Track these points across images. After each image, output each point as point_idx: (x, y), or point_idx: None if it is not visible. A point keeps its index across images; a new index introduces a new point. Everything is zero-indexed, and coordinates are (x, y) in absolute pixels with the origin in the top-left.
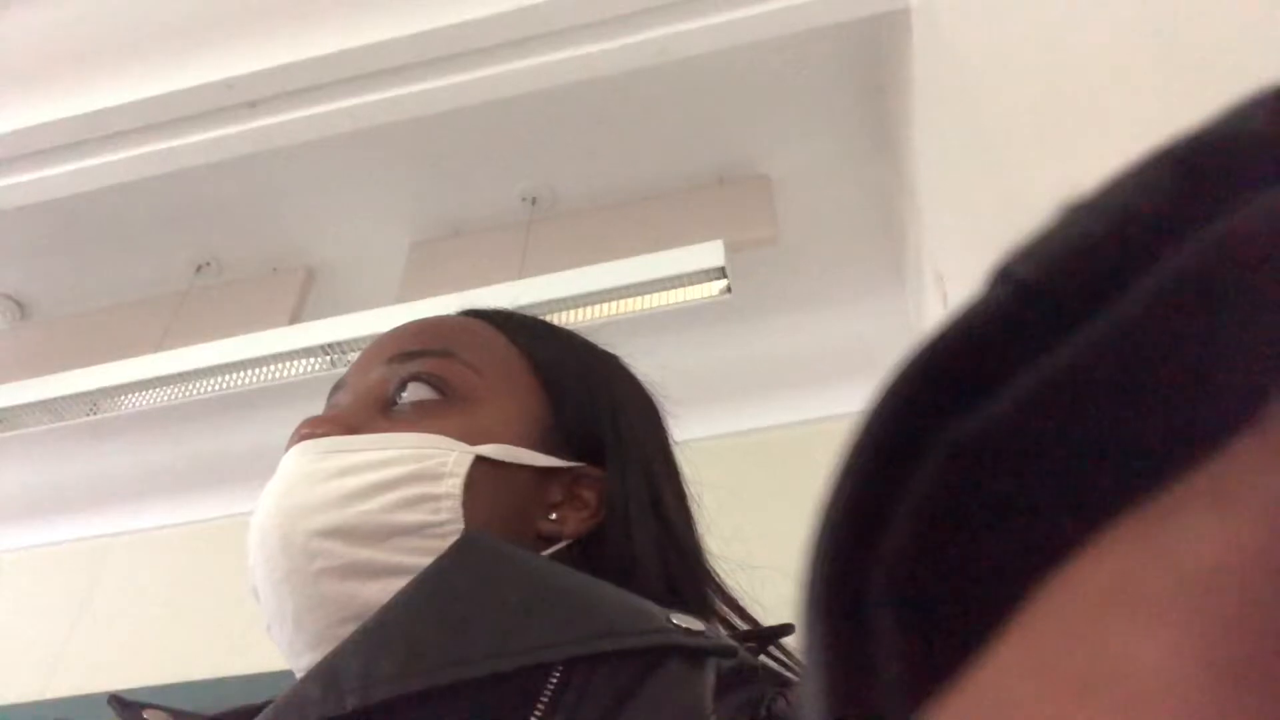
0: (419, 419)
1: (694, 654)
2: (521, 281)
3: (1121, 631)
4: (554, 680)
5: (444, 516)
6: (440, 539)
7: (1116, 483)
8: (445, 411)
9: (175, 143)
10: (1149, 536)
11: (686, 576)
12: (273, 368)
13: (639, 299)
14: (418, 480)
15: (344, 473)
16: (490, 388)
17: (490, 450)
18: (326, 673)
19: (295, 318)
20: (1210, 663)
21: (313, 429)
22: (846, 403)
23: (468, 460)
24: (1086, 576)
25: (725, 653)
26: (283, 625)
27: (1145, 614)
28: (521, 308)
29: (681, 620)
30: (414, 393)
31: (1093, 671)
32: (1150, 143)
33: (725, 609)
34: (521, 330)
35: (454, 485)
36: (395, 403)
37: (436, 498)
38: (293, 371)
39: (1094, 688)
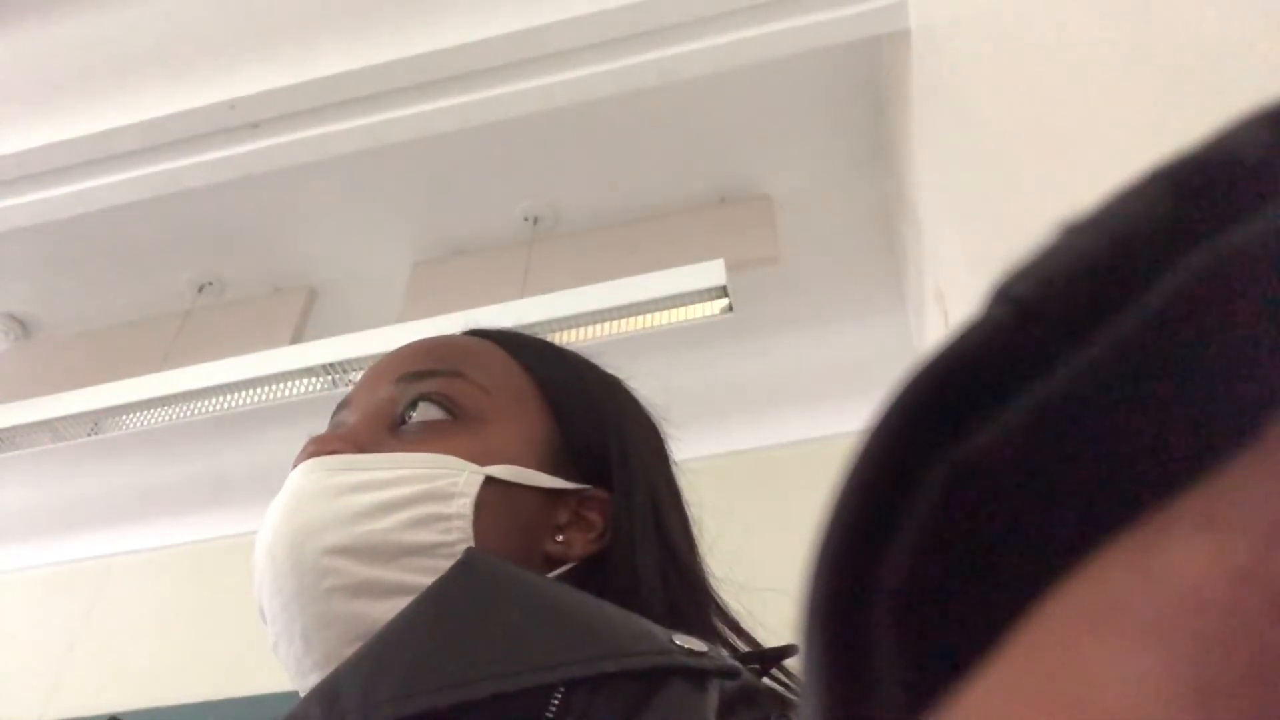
0: (428, 439)
1: (697, 675)
2: (524, 301)
3: (1104, 653)
4: (556, 702)
5: (454, 536)
6: (449, 559)
7: (1114, 503)
8: (454, 432)
9: (178, 163)
10: (1139, 557)
11: (689, 598)
12: (274, 387)
13: (641, 318)
14: (428, 500)
15: (354, 490)
16: (498, 408)
17: (500, 471)
18: (328, 693)
19: (297, 337)
20: (1190, 686)
21: (321, 446)
22: (848, 422)
23: (478, 481)
24: (1077, 597)
25: (728, 674)
26: (290, 644)
27: (1130, 635)
28: (524, 327)
29: (684, 641)
30: (423, 413)
31: (1073, 693)
32: (1148, 162)
33: (728, 631)
34: (527, 351)
35: (464, 505)
36: (404, 422)
37: (447, 518)
38: (294, 391)
39: (1073, 709)
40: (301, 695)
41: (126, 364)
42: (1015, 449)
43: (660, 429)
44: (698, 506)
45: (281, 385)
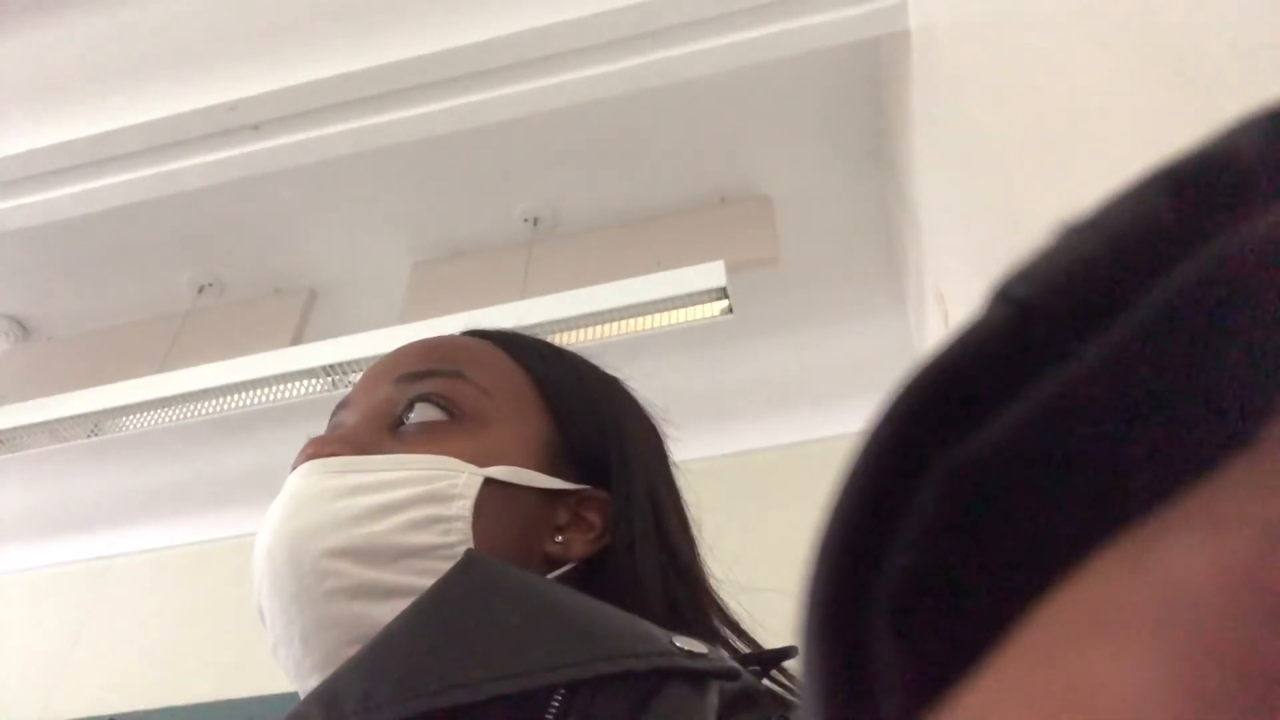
0: (427, 440)
1: (697, 677)
2: (523, 302)
3: (1103, 654)
4: (556, 703)
5: (454, 538)
6: (450, 560)
7: (1113, 504)
8: (453, 433)
9: (178, 165)
10: (1137, 558)
11: (689, 599)
12: (274, 389)
13: (641, 319)
14: (428, 501)
15: (354, 492)
16: (498, 409)
17: (499, 472)
18: (327, 695)
19: (297, 339)
20: (1187, 687)
21: (320, 448)
22: (848, 422)
23: (478, 482)
24: (1076, 598)
25: (728, 675)
26: (290, 646)
27: (1126, 636)
28: (523, 328)
29: (684, 643)
30: (422, 413)
31: (1069, 695)
32: (1148, 162)
33: (728, 632)
34: (527, 351)
35: (464, 507)
36: (403, 423)
37: (447, 519)
38: (294, 392)
39: (1071, 710)
40: (301, 697)
41: (126, 365)
42: (1015, 450)
43: (660, 429)
44: (698, 507)
45: (281, 386)
